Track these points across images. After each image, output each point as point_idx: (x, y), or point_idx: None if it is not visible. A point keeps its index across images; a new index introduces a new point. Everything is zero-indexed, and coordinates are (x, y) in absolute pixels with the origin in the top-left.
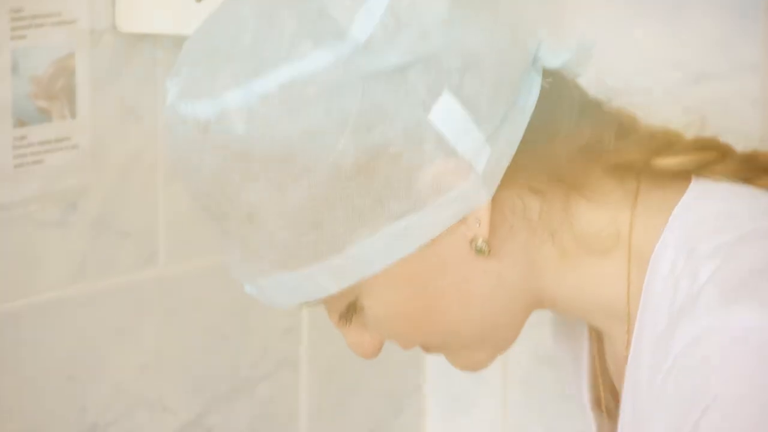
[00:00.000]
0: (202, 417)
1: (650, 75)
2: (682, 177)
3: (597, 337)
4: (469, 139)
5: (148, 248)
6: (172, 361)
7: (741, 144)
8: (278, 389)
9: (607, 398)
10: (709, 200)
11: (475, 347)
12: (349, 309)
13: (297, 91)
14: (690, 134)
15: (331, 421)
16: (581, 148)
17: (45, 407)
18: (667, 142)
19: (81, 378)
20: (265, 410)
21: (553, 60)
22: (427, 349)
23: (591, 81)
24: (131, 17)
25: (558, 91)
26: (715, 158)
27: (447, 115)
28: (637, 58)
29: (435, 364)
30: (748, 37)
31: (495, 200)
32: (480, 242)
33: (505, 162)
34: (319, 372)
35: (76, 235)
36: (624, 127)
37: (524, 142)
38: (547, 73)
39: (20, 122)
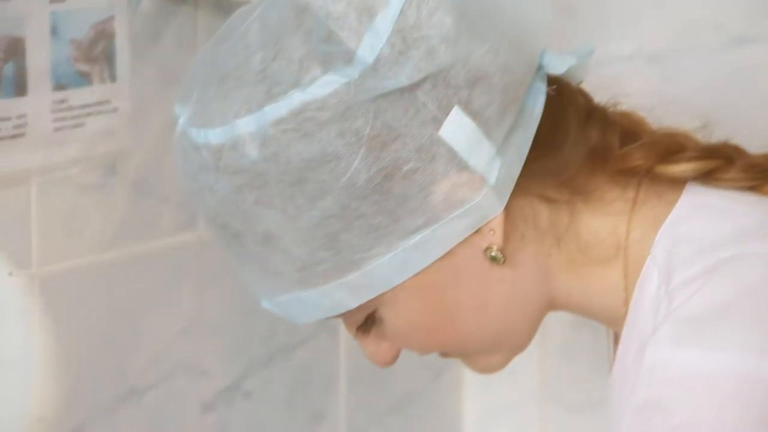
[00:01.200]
0: (241, 381)
1: (692, 38)
2: (679, 184)
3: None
4: (480, 152)
5: (187, 212)
6: (210, 325)
7: None
8: (317, 353)
9: None
10: (696, 218)
11: (491, 352)
12: (367, 321)
13: (309, 116)
14: (702, 136)
15: (370, 385)
16: (588, 154)
17: (84, 371)
18: (673, 147)
19: (120, 342)
20: (304, 374)
21: (557, 66)
22: (444, 355)
23: (635, 48)
24: None
25: (563, 98)
26: (720, 166)
27: (458, 130)
28: (679, 20)
29: None
30: None
31: (506, 209)
32: (495, 251)
33: (516, 171)
34: None
35: (115, 199)
36: (630, 131)
37: (533, 150)
38: (552, 80)
39: (60, 86)
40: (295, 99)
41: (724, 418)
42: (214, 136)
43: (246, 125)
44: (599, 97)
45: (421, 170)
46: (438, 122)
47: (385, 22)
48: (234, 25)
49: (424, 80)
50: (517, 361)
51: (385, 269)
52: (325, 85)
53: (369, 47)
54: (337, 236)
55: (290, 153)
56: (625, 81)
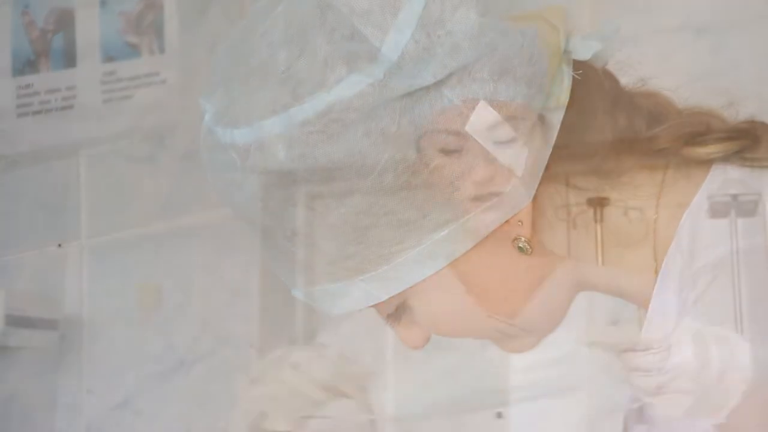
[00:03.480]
0: (287, 353)
1: (740, 9)
2: (707, 164)
3: None
4: (507, 145)
5: None
6: (258, 297)
7: None
8: (363, 326)
9: None
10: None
11: (522, 336)
12: (398, 309)
13: (335, 117)
14: (728, 115)
15: (418, 358)
16: (615, 139)
17: (133, 343)
18: (699, 128)
19: (168, 314)
20: (350, 346)
21: (582, 52)
22: (477, 339)
23: (683, 19)
24: None
25: (589, 84)
26: (747, 145)
27: (484, 124)
28: None
29: None
30: None
31: (534, 199)
32: (522, 242)
33: (543, 161)
34: None
35: (163, 171)
36: (656, 113)
37: (559, 137)
38: (577, 65)
39: (109, 58)
40: (321, 100)
41: None
42: (240, 136)
43: (272, 127)
44: (648, 69)
45: (448, 166)
46: (464, 117)
47: (409, 18)
48: (257, 19)
49: (449, 76)
50: (566, 327)
51: (415, 262)
52: (350, 86)
53: (393, 44)
54: (366, 231)
55: (317, 154)
56: (674, 52)
